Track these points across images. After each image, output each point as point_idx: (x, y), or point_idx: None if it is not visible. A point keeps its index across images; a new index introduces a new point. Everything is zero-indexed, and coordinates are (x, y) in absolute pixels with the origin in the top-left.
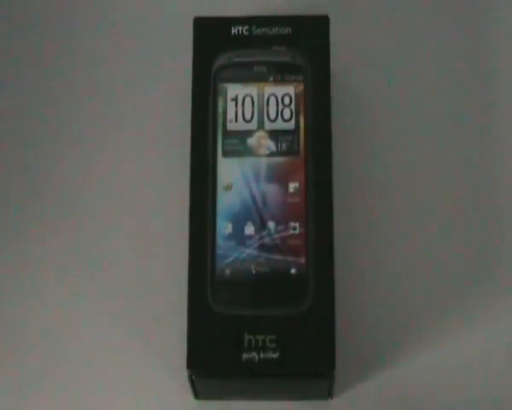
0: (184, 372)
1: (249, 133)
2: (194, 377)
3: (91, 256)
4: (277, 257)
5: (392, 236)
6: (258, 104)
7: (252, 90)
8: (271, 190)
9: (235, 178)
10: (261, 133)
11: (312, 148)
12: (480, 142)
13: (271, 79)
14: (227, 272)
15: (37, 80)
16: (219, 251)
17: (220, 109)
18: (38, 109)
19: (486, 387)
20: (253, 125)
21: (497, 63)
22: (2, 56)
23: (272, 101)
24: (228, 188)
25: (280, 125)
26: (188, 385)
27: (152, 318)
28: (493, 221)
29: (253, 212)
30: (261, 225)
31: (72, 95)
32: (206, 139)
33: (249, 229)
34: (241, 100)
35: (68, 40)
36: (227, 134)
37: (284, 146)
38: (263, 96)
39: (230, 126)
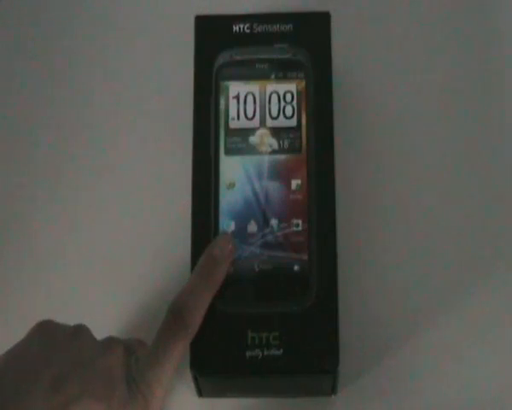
0: (188, 371)
1: (251, 131)
2: (198, 376)
3: (93, 261)
4: (280, 254)
5: (394, 231)
6: (260, 102)
7: (254, 87)
8: (274, 187)
9: (238, 176)
10: (263, 131)
11: (314, 144)
12: (484, 139)
13: (273, 76)
14: (230, 270)
15: (40, 79)
16: None
17: (222, 107)
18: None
19: (489, 385)
20: (256, 122)
21: (502, 62)
22: (6, 53)
23: (274, 98)
24: (230, 186)
25: (282, 122)
26: (192, 383)
27: (156, 317)
28: (497, 219)
29: (256, 210)
30: (264, 223)
31: (70, 95)
32: (209, 138)
33: (252, 227)
34: (242, 98)
35: (69, 37)
36: (229, 132)
37: (286, 143)
38: (265, 93)
39: (233, 124)
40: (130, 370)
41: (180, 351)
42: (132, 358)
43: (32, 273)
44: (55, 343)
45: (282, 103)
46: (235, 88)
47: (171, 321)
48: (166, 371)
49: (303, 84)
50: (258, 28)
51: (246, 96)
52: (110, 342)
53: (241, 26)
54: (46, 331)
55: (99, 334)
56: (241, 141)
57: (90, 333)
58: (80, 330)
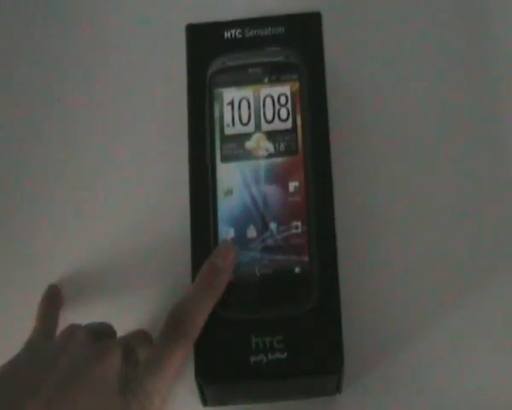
0: (192, 380)
1: (247, 136)
2: (203, 385)
3: (96, 269)
4: (281, 257)
5: (394, 229)
6: (254, 106)
7: (247, 92)
8: (272, 191)
9: (236, 183)
10: (259, 135)
11: (310, 145)
12: (483, 138)
13: (266, 80)
14: (231, 276)
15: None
16: None
17: (217, 115)
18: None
19: (491, 385)
20: (251, 127)
21: (497, 65)
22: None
23: (268, 102)
24: (228, 193)
25: (277, 125)
26: (195, 393)
27: (158, 326)
28: (497, 219)
29: (255, 214)
30: (263, 227)
31: (65, 102)
32: (205, 146)
33: (251, 232)
34: (237, 104)
35: (66, 41)
36: (225, 139)
37: (282, 146)
38: (259, 97)
39: (228, 131)
40: (127, 378)
41: (180, 358)
42: (130, 364)
43: (31, 274)
44: (47, 357)
45: (277, 106)
46: (229, 94)
47: (171, 327)
48: (166, 380)
49: (297, 85)
50: (250, 33)
51: (240, 102)
52: (106, 346)
53: (233, 32)
54: (37, 345)
55: None
56: (237, 147)
57: (84, 334)
58: (73, 334)
